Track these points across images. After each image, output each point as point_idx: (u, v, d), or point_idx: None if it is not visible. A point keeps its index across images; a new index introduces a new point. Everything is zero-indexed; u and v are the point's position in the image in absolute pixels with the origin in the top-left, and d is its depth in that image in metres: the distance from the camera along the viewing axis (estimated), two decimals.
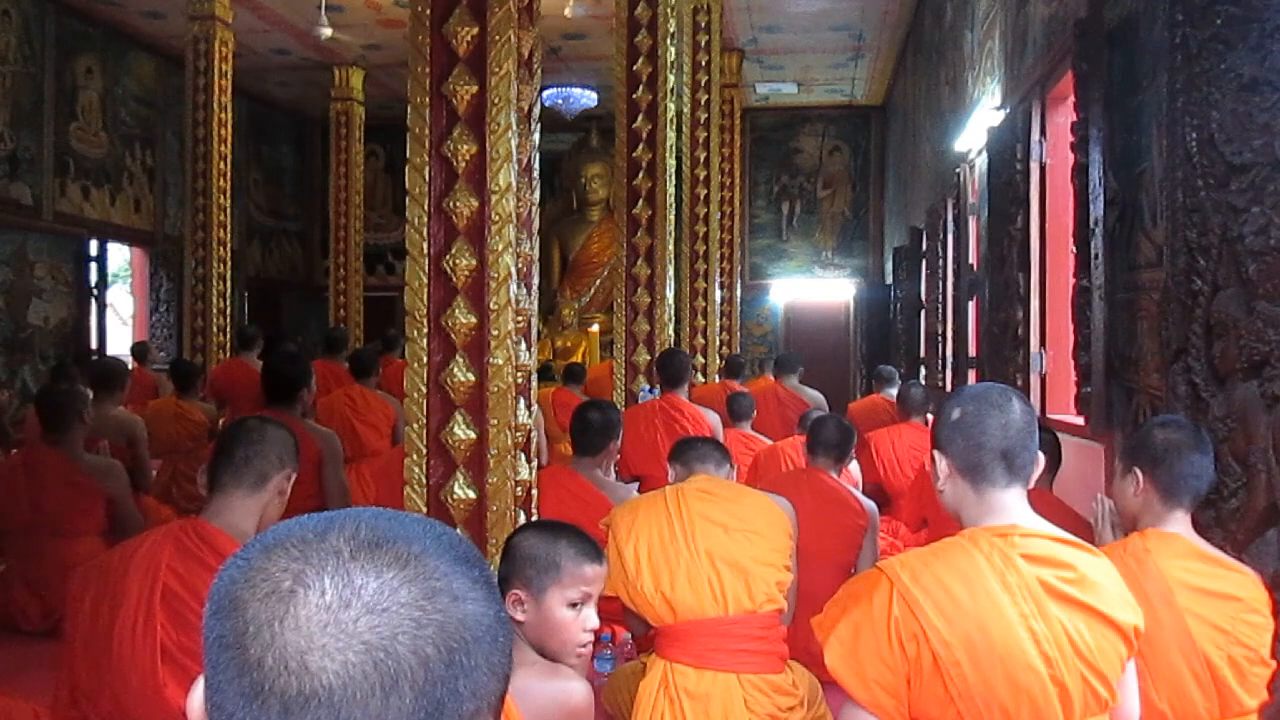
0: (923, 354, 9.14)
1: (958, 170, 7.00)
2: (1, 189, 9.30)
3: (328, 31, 9.07)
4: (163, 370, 9.08)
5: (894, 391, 7.08)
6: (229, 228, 9.73)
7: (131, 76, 11.33)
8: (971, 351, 6.62)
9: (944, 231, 7.75)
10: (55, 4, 9.95)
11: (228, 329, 9.68)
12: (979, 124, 6.21)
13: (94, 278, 10.80)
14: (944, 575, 1.65)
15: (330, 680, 0.61)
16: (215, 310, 9.51)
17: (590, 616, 1.96)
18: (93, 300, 10.73)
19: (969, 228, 6.72)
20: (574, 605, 1.94)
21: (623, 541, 2.80)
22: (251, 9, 10.22)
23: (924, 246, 8.98)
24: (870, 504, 4.06)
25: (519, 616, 1.92)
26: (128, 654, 2.01)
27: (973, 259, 6.63)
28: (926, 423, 5.99)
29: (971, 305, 6.61)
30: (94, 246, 10.77)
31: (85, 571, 2.16)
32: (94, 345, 10.70)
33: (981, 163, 6.06)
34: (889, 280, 12.88)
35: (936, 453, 1.77)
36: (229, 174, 9.66)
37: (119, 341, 12.16)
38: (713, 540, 2.76)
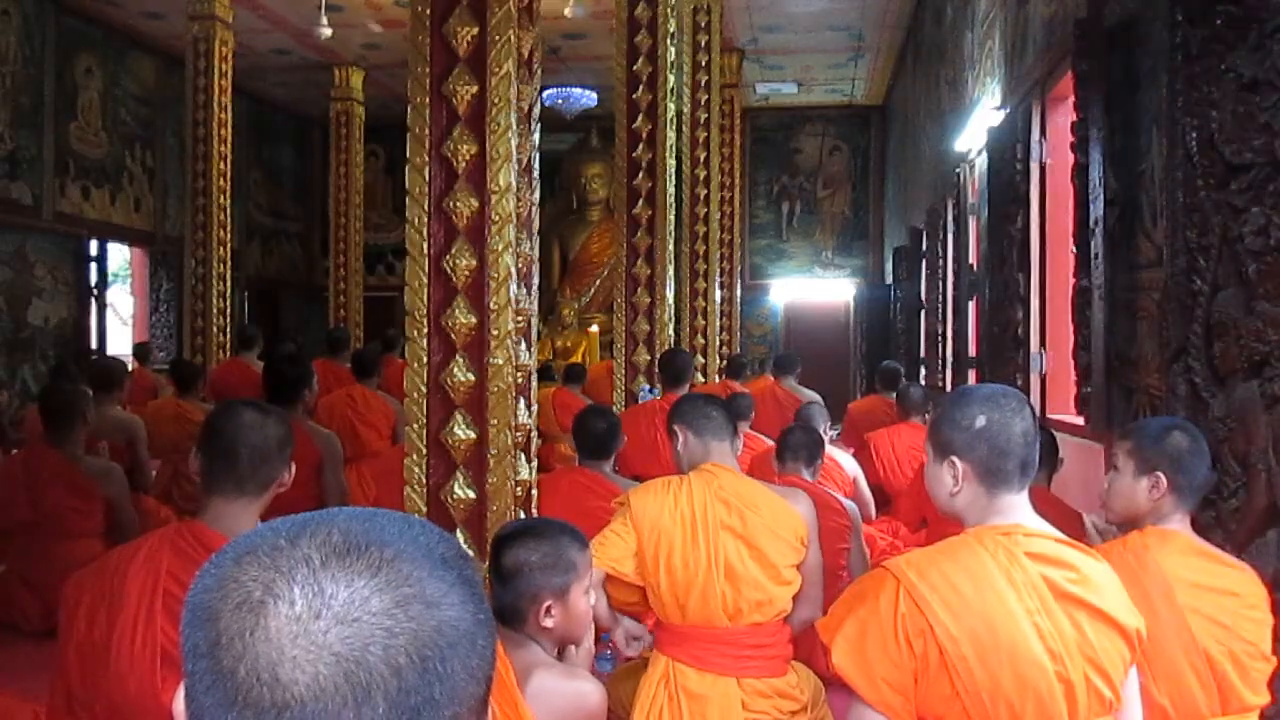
0: (923, 354, 9.14)
1: (958, 170, 7.00)
2: (1, 189, 9.30)
3: (328, 31, 9.07)
4: (163, 370, 9.08)
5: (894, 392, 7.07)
6: (229, 228, 9.73)
7: (131, 76, 11.33)
8: (971, 351, 6.62)
9: (944, 231, 7.75)
10: (55, 4, 9.95)
11: (228, 329, 9.67)
12: (979, 124, 6.21)
13: (94, 278, 10.80)
14: (950, 572, 1.66)
15: (302, 692, 0.60)
16: (215, 310, 9.51)
17: (592, 593, 2.10)
18: (93, 300, 10.74)
19: (969, 228, 6.72)
20: (587, 590, 2.06)
21: (645, 539, 2.75)
22: (251, 9, 10.22)
23: (924, 246, 8.99)
24: (851, 505, 4.10)
25: (548, 624, 1.97)
26: (126, 657, 1.99)
27: (973, 259, 6.63)
28: (925, 423, 5.98)
29: (971, 305, 6.61)
30: (94, 246, 10.78)
31: (79, 578, 2.10)
32: (94, 345, 10.70)
33: (981, 163, 6.07)
34: (889, 280, 12.89)
35: (954, 458, 1.75)
36: (229, 174, 9.66)
37: (119, 341, 12.15)
38: (733, 555, 2.73)
